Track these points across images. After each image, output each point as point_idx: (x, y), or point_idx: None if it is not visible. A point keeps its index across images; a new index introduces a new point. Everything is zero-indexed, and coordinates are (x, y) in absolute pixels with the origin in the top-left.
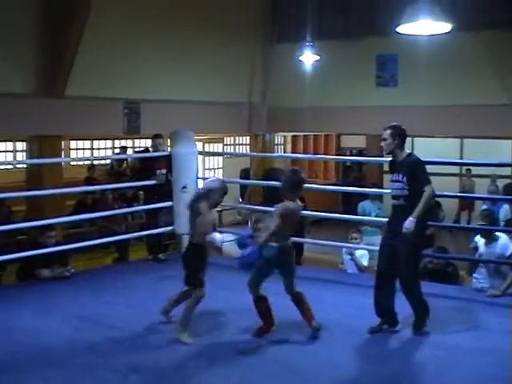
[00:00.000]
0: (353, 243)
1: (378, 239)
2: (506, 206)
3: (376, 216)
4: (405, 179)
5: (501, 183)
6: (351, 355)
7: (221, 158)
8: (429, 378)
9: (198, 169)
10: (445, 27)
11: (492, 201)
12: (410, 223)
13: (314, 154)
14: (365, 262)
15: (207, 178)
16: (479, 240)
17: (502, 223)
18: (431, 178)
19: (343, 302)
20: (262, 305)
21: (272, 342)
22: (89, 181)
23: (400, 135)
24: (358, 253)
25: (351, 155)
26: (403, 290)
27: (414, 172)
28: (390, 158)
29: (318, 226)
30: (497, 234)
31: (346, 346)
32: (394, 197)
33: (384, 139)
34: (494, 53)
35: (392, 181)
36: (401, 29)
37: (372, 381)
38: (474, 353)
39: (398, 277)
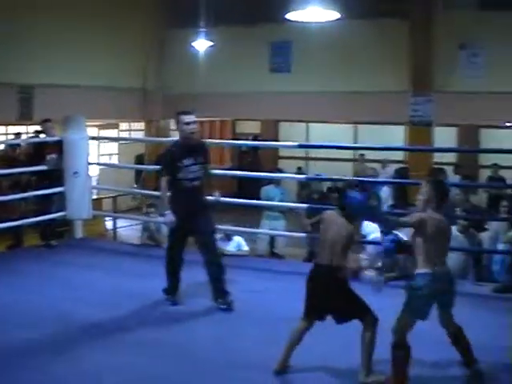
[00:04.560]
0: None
1: (280, 224)
2: (385, 189)
3: (280, 201)
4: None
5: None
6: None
7: (116, 143)
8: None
9: (89, 154)
10: (334, 15)
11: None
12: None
13: (210, 139)
14: (245, 247)
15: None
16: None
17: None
18: (326, 162)
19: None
20: (401, 353)
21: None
22: None
23: None
24: (235, 239)
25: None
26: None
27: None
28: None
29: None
30: None
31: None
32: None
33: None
34: (385, 41)
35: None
36: (291, 15)
37: None
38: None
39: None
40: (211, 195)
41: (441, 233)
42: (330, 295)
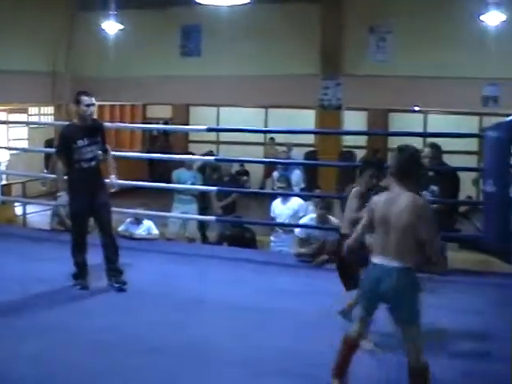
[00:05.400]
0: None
1: (192, 208)
2: (297, 172)
3: (192, 184)
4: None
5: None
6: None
7: (26, 128)
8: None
9: None
10: None
11: (284, 167)
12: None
13: (121, 123)
14: (155, 231)
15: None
16: (275, 203)
17: (295, 188)
18: (237, 146)
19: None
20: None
21: None
22: None
23: None
24: (145, 223)
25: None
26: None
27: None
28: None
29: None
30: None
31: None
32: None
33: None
34: (295, 24)
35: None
36: None
37: None
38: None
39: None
40: (109, 178)
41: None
42: None
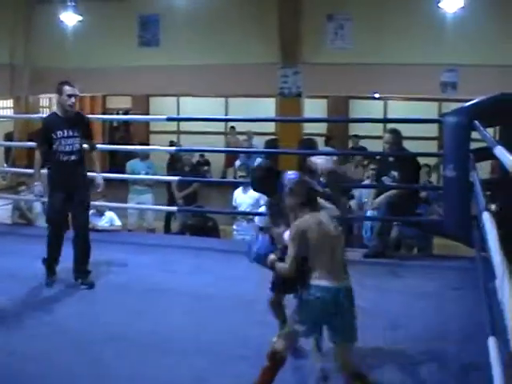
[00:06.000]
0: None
1: (148, 198)
2: (259, 160)
3: (146, 174)
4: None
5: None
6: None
7: None
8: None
9: None
10: None
11: (246, 156)
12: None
13: None
14: (117, 222)
15: None
16: (237, 192)
17: None
18: (198, 136)
19: None
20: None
21: None
22: None
23: None
24: (107, 214)
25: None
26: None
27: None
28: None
29: None
30: None
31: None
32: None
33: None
34: (254, 12)
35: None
36: None
37: None
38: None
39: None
40: (93, 177)
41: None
42: None
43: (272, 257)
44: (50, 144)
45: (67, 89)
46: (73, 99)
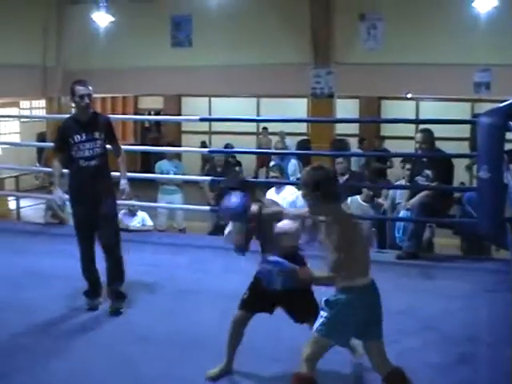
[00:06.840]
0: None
1: (177, 198)
2: (293, 161)
3: (173, 174)
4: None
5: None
6: None
7: (17, 122)
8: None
9: None
10: None
11: (280, 157)
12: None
13: (112, 115)
14: (149, 222)
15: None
16: (269, 193)
17: (291, 178)
18: (230, 136)
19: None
20: None
21: None
22: None
23: None
24: (139, 214)
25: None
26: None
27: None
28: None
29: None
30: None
31: None
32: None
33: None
34: (286, 13)
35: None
36: None
37: None
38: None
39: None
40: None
41: None
42: None
43: (305, 269)
44: (69, 150)
45: (79, 89)
46: (86, 99)
